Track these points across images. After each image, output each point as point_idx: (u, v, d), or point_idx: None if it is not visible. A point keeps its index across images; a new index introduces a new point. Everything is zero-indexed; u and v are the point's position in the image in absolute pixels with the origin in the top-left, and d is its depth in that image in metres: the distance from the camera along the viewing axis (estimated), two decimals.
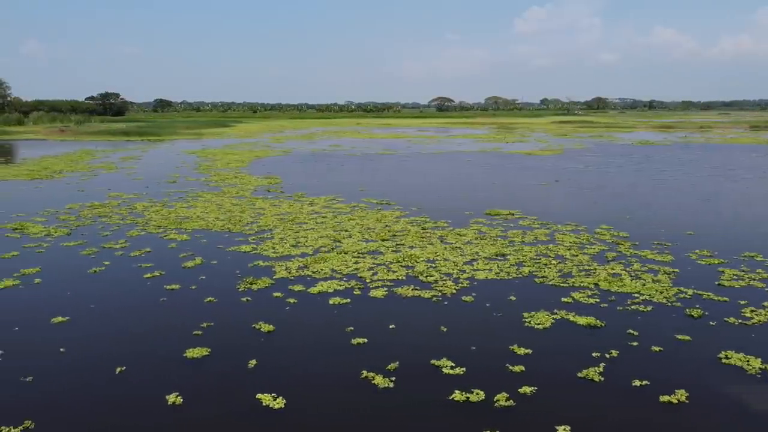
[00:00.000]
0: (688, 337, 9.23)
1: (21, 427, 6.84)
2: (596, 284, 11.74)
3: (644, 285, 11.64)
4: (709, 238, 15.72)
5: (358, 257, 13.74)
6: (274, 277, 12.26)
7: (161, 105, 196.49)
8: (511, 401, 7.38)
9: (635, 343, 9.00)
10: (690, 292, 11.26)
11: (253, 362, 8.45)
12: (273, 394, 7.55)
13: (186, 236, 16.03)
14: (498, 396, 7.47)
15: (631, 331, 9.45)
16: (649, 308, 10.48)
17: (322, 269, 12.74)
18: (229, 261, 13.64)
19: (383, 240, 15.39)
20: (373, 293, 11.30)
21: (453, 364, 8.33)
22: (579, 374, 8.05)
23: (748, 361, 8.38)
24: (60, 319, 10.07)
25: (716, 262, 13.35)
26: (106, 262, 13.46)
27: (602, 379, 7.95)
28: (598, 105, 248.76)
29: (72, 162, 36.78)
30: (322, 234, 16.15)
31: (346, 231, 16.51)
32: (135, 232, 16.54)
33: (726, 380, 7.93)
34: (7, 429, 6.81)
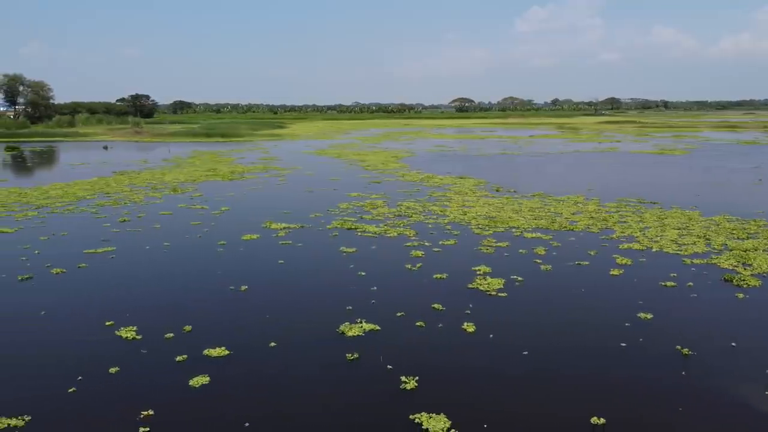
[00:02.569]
0: None
1: None
2: None
3: None
4: None
5: None
6: None
7: (180, 107, 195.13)
8: None
9: None
10: None
11: None
12: None
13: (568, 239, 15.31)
14: None
15: None
16: None
17: None
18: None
19: None
20: None
21: None
22: None
23: None
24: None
25: None
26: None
27: None
28: (612, 105, 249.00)
29: (220, 163, 35.98)
30: (696, 234, 15.53)
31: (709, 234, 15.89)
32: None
33: None
34: None
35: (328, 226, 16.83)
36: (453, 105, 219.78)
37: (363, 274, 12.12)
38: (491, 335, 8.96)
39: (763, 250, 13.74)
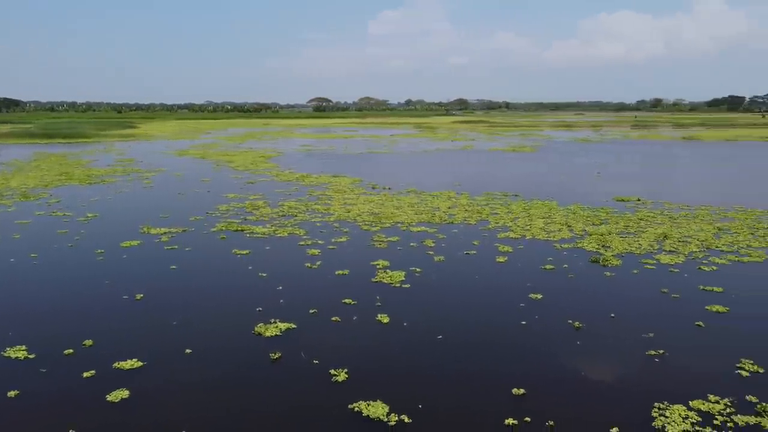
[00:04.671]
0: None
1: None
2: None
3: None
4: None
5: None
6: None
7: (6, 105, 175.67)
8: None
9: None
10: None
11: None
12: None
13: (442, 234, 16.22)
14: None
15: None
16: None
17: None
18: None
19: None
20: None
21: None
22: None
23: None
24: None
25: None
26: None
27: None
28: (461, 106, 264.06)
29: (71, 166, 33.13)
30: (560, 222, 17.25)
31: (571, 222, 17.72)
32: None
33: None
34: None
35: (212, 229, 16.36)
36: (311, 104, 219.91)
37: (264, 275, 12.03)
38: (405, 323, 9.41)
39: (617, 234, 15.66)
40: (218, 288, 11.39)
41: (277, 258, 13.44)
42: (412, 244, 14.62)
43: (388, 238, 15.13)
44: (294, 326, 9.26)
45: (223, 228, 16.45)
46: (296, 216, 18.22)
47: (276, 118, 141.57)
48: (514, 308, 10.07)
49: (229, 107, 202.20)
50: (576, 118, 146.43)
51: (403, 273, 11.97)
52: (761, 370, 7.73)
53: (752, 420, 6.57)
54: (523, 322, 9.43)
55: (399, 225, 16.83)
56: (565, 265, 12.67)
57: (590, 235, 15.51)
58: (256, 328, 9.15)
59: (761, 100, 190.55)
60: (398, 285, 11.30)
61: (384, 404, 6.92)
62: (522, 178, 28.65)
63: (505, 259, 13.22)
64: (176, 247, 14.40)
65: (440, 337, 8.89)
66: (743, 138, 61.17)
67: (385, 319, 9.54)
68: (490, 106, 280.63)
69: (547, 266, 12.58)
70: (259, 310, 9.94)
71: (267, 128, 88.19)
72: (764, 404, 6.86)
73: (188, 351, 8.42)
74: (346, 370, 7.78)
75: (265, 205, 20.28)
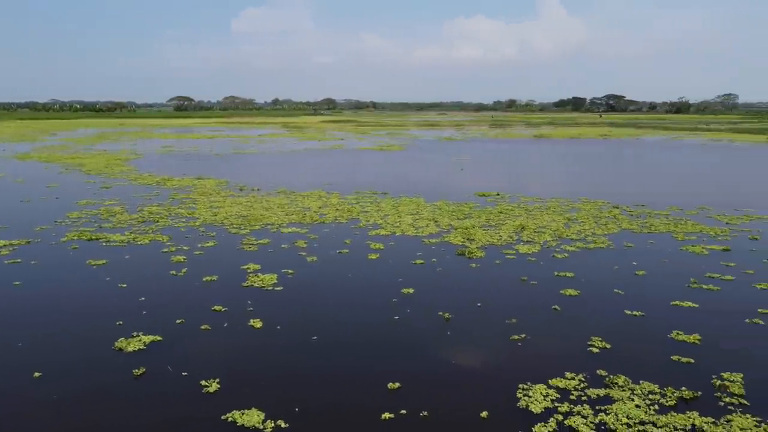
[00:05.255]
0: None
1: None
2: None
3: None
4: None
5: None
6: None
7: None
8: None
9: None
10: None
11: None
12: None
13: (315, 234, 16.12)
14: None
15: None
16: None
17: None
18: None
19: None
20: None
21: None
22: None
23: None
24: None
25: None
26: None
27: None
28: (329, 105, 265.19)
29: None
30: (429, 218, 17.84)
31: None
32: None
33: None
34: None
35: (62, 239, 14.98)
36: (171, 104, 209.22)
37: (124, 285, 11.21)
38: (278, 327, 9.21)
39: (480, 227, 16.51)
40: (71, 303, 10.44)
41: (138, 267, 12.59)
42: (283, 245, 14.38)
43: (259, 241, 14.76)
44: (159, 338, 8.72)
45: (75, 237, 15.13)
46: (158, 221, 17.20)
47: (133, 118, 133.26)
48: (387, 304, 10.24)
49: (78, 106, 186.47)
50: (440, 117, 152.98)
51: (275, 276, 11.72)
52: (609, 346, 8.51)
53: (602, 392, 7.20)
54: (396, 317, 9.62)
55: (269, 227, 16.49)
56: (434, 259, 13.12)
57: (456, 229, 16.20)
58: (116, 344, 8.49)
59: (599, 101, 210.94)
60: (270, 288, 11.05)
61: (259, 411, 6.72)
62: (391, 176, 29.30)
63: (377, 256, 13.42)
64: (19, 260, 13.00)
65: (315, 338, 8.81)
66: (585, 136, 67.34)
67: (258, 324, 9.28)
68: (357, 106, 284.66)
69: (417, 261, 12.95)
70: (120, 324, 9.25)
71: (123, 128, 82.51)
72: (612, 377, 7.55)
73: (37, 374, 7.61)
74: (217, 380, 7.46)
75: (122, 211, 18.94)
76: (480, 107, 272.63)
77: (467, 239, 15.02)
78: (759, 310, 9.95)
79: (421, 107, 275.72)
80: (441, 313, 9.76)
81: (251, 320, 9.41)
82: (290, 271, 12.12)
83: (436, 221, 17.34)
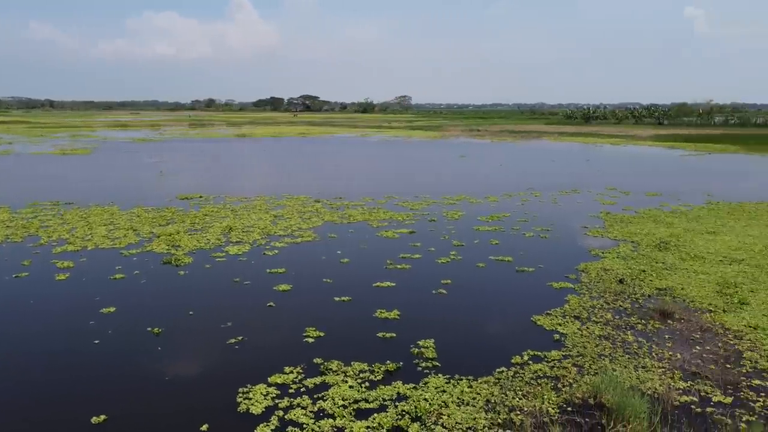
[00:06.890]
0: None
1: None
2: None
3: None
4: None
5: None
6: None
7: None
8: None
9: None
10: None
11: None
12: None
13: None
14: None
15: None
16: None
17: None
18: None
19: None
20: None
21: None
22: None
23: None
24: None
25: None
26: None
27: None
28: None
29: None
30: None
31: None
32: None
33: None
34: None
35: None
36: None
37: None
38: None
39: (185, 232, 15.74)
40: None
41: None
42: None
43: None
44: None
45: None
46: None
47: None
48: (85, 328, 9.03)
49: None
50: (132, 117, 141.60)
51: None
52: (322, 334, 8.88)
53: (319, 380, 7.47)
54: (96, 341, 8.54)
55: None
56: (137, 272, 12.05)
57: (159, 236, 15.17)
58: None
59: (296, 101, 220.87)
60: None
61: None
62: (77, 182, 26.06)
63: (67, 275, 11.76)
64: None
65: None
66: (284, 134, 69.80)
67: None
68: (30, 105, 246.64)
69: (117, 276, 11.74)
70: None
71: None
72: (327, 363, 7.89)
73: None
74: None
75: None
76: (177, 106, 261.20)
77: (172, 246, 14.18)
78: (441, 281, 11.52)
79: (109, 106, 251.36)
80: (150, 328, 8.99)
81: None
82: None
83: (134, 230, 15.98)
